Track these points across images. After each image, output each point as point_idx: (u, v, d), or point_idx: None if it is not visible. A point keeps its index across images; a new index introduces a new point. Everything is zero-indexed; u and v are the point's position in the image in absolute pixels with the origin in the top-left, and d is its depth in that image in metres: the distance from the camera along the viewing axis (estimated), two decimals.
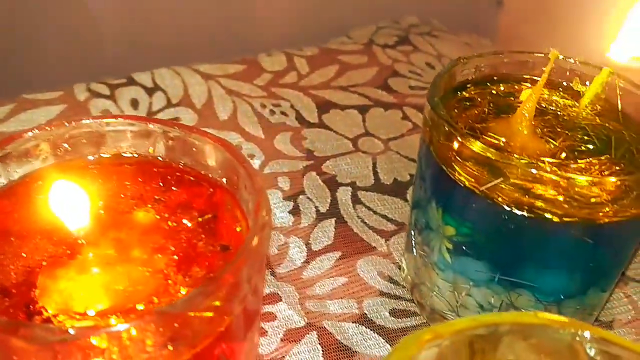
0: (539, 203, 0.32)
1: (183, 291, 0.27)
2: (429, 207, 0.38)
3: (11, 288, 0.26)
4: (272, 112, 0.58)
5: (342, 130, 0.57)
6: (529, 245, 0.34)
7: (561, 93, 0.40)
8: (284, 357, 0.38)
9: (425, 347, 0.23)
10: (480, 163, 0.32)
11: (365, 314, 0.41)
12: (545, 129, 0.37)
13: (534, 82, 0.37)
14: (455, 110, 0.38)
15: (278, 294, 0.42)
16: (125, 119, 0.31)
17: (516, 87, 0.40)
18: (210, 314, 0.24)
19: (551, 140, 0.36)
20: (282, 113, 0.58)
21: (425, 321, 0.41)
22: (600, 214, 0.32)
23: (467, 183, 0.33)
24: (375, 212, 0.49)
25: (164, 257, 0.28)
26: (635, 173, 0.34)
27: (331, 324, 0.40)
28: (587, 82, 0.39)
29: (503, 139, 0.36)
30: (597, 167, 0.34)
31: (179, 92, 0.59)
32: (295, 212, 0.48)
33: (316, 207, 0.49)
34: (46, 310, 0.25)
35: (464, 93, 0.39)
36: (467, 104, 0.39)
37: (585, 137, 0.36)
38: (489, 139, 0.35)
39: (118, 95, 0.58)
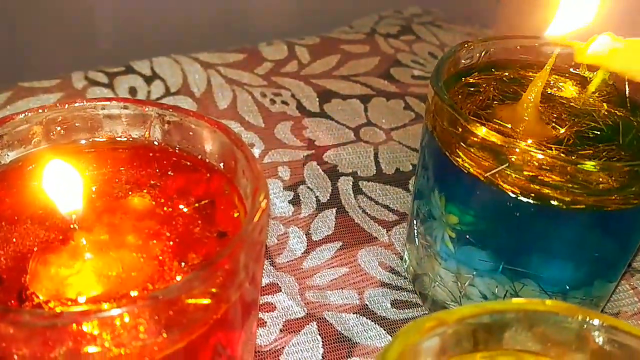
0: (544, 190, 0.31)
1: (178, 278, 0.26)
2: (431, 195, 0.37)
3: (2, 274, 0.25)
4: (273, 102, 0.57)
5: (343, 120, 0.56)
6: (534, 234, 0.33)
7: (568, 79, 0.39)
8: (283, 347, 0.37)
9: (428, 335, 0.22)
10: (485, 149, 0.32)
11: (367, 304, 0.41)
12: (551, 115, 0.36)
13: (539, 68, 0.36)
14: (459, 96, 0.37)
15: (277, 284, 0.41)
16: (120, 101, 0.30)
17: (521, 72, 0.39)
18: (206, 301, 0.24)
19: (557, 127, 0.35)
20: (283, 102, 0.57)
21: (427, 312, 0.41)
22: (608, 201, 0.31)
23: (471, 170, 0.33)
24: (376, 202, 0.48)
25: (159, 243, 0.27)
26: None
27: (331, 315, 0.40)
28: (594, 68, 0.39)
29: (509, 125, 0.35)
30: (604, 153, 0.33)
31: (178, 80, 0.58)
32: (295, 202, 0.47)
33: (317, 197, 0.48)
34: (37, 297, 0.25)
35: (468, 79, 0.38)
36: (472, 89, 0.38)
37: (592, 124, 0.35)
38: (494, 125, 0.34)
39: (116, 83, 0.57)
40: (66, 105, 0.30)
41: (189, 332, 0.24)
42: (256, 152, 0.51)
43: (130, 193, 0.29)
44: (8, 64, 0.65)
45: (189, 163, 0.31)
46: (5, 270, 0.26)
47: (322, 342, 0.38)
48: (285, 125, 0.55)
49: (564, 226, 0.33)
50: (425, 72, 0.64)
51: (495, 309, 0.23)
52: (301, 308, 0.40)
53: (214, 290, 0.24)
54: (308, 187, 0.49)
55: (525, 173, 0.31)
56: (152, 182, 0.30)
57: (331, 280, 0.42)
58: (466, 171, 0.33)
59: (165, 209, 0.29)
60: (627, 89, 0.38)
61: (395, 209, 0.48)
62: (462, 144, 0.33)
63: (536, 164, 0.30)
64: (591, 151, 0.33)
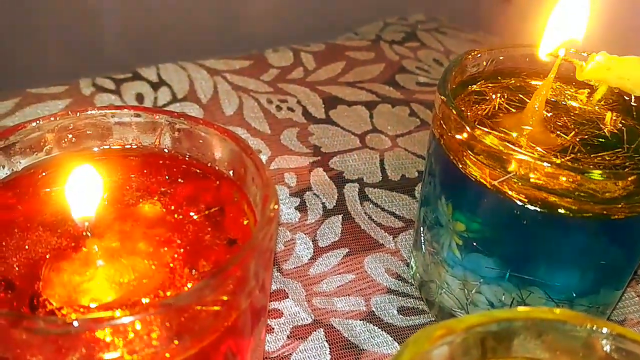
0: (551, 198, 0.31)
1: (189, 285, 0.26)
2: (438, 203, 0.37)
3: (15, 280, 0.26)
4: (279, 108, 0.58)
5: (349, 127, 0.56)
6: (541, 242, 0.33)
7: (574, 87, 0.39)
8: (290, 354, 0.38)
9: (437, 343, 0.22)
10: (492, 157, 0.32)
11: (373, 311, 0.41)
12: (557, 124, 0.36)
13: (545, 76, 0.37)
14: (466, 104, 0.37)
15: (285, 290, 0.41)
16: (131, 109, 0.31)
17: (527, 81, 0.40)
18: (217, 308, 0.24)
19: (563, 135, 0.35)
20: (289, 109, 0.58)
21: (433, 319, 0.41)
22: (614, 209, 0.31)
23: (478, 177, 0.33)
24: (382, 209, 0.48)
25: (170, 250, 0.27)
26: None
27: (338, 322, 0.40)
28: None
29: (514, 134, 0.35)
30: (610, 161, 0.33)
31: (184, 87, 0.59)
32: (301, 208, 0.48)
33: (323, 203, 0.48)
34: (50, 303, 0.25)
35: (474, 87, 0.39)
36: (478, 97, 0.38)
37: (598, 132, 0.36)
38: (500, 133, 0.35)
39: (123, 90, 0.57)
40: (77, 113, 0.30)
41: (200, 339, 0.24)
42: (262, 158, 0.52)
43: (140, 200, 0.30)
44: (16, 70, 0.65)
45: (198, 170, 0.31)
46: (18, 277, 0.26)
47: (330, 348, 0.38)
48: (292, 132, 0.55)
49: (571, 234, 0.33)
50: (430, 78, 0.64)
51: (503, 317, 0.23)
52: (308, 314, 0.40)
53: (224, 297, 0.24)
54: (314, 194, 0.49)
55: (532, 181, 0.31)
56: (162, 189, 0.30)
57: (338, 287, 0.42)
58: (473, 179, 0.33)
59: (175, 216, 0.29)
60: (632, 96, 0.38)
61: (401, 215, 0.48)
62: (469, 151, 0.33)
63: (543, 172, 0.31)
64: (598, 159, 0.33)
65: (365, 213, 0.48)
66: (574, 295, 0.35)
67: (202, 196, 0.30)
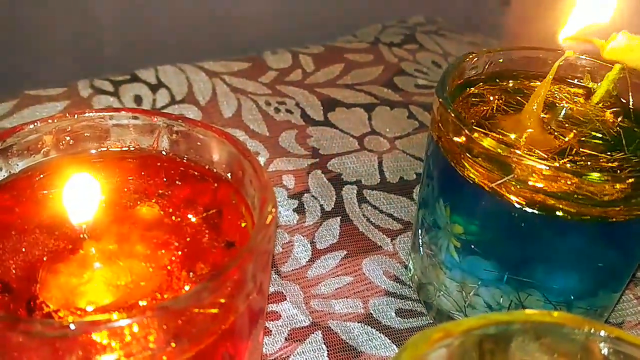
0: (549, 201, 0.31)
1: (187, 288, 0.26)
2: (436, 205, 0.37)
3: (12, 283, 0.26)
4: (277, 110, 0.58)
5: (347, 129, 0.56)
6: (539, 244, 0.33)
7: (572, 90, 0.39)
8: (288, 356, 0.38)
9: (435, 346, 0.22)
10: (490, 159, 0.32)
11: (371, 313, 0.41)
12: (555, 126, 0.36)
13: (544, 79, 0.37)
14: (464, 107, 0.37)
15: (282, 292, 0.41)
16: (129, 112, 0.31)
17: (525, 83, 0.40)
18: (214, 311, 0.24)
19: (561, 137, 0.35)
20: (287, 111, 0.58)
21: (431, 321, 0.41)
22: (613, 212, 0.31)
23: (476, 180, 0.33)
24: (381, 211, 0.48)
25: (168, 252, 0.27)
26: None
27: (336, 324, 0.40)
28: (598, 79, 0.39)
29: (512, 136, 0.35)
30: (609, 164, 0.33)
31: (183, 89, 0.59)
32: (300, 210, 0.48)
33: (321, 205, 0.48)
34: (47, 306, 0.25)
35: (472, 89, 0.39)
36: (476, 100, 0.38)
37: (596, 134, 0.36)
38: (498, 135, 0.35)
39: (122, 91, 0.57)
40: (75, 115, 0.30)
41: (197, 342, 0.24)
42: (261, 160, 0.52)
43: (138, 203, 0.30)
44: (14, 72, 0.65)
45: (196, 173, 0.31)
46: (15, 280, 0.26)
47: (327, 351, 0.38)
48: (290, 134, 0.55)
49: (569, 237, 0.33)
50: (428, 81, 0.64)
51: (501, 320, 0.23)
52: (306, 317, 0.40)
53: (222, 300, 0.24)
54: (312, 196, 0.49)
55: (530, 184, 0.31)
56: (160, 191, 0.30)
57: (336, 289, 0.42)
58: (471, 181, 0.33)
59: (173, 218, 0.29)
60: (631, 99, 0.38)
61: (399, 217, 0.48)
62: (467, 154, 0.33)
63: (541, 175, 0.31)
64: (596, 162, 0.33)
65: (363, 215, 0.48)
66: (572, 297, 0.35)
67: (199, 199, 0.30)
